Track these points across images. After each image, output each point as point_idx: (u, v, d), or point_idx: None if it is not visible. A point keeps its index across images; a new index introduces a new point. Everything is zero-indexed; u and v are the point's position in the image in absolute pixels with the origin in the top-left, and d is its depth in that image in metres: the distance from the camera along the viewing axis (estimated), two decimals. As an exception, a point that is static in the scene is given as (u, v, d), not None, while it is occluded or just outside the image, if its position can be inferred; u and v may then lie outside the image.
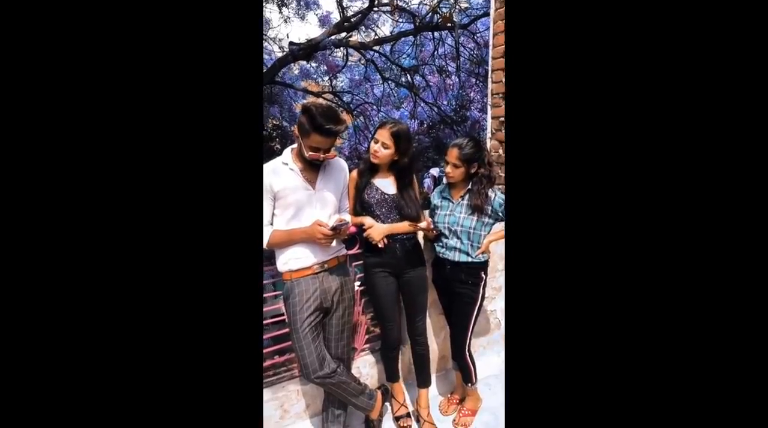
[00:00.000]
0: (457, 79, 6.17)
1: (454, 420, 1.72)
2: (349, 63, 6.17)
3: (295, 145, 1.43)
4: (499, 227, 1.57)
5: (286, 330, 1.68)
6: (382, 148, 1.44)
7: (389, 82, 6.19)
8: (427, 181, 5.90)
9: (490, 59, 2.51)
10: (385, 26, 6.05)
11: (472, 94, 6.58)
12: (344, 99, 6.54)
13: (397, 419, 1.68)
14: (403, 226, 1.50)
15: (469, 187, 1.51)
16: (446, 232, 1.56)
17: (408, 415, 1.69)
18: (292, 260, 1.39)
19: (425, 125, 7.98)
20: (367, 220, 1.46)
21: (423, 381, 1.68)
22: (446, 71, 6.47)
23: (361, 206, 1.49)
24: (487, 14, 5.17)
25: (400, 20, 5.76)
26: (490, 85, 2.54)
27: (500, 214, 1.49)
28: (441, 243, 1.59)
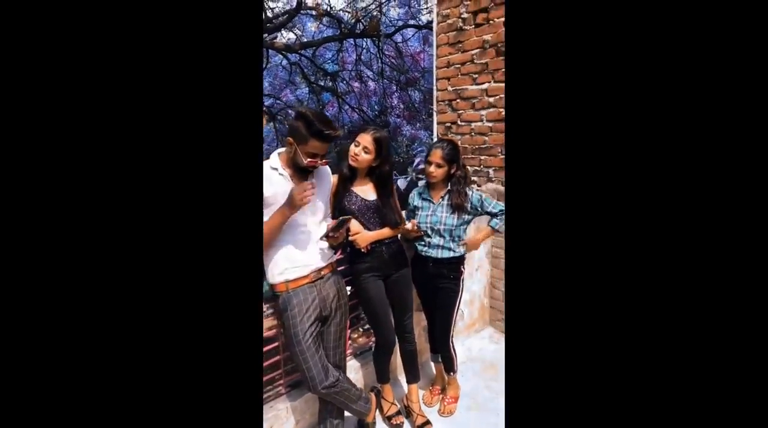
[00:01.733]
0: (380, 86, 6.36)
1: (439, 410, 1.81)
2: (268, 65, 5.94)
3: (281, 150, 1.38)
4: (482, 224, 1.71)
5: (272, 345, 1.60)
6: (363, 152, 1.45)
7: (314, 85, 6.11)
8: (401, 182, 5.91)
9: (434, 69, 2.69)
10: (309, 30, 5.98)
11: (395, 101, 6.84)
12: (266, 103, 6.27)
13: (389, 418, 1.71)
14: (388, 231, 1.55)
15: (449, 187, 1.62)
16: (429, 232, 1.64)
17: (398, 413, 1.73)
18: (288, 270, 1.34)
19: (346, 129, 8.08)
20: (354, 225, 1.47)
21: (413, 377, 1.73)
22: (368, 77, 6.63)
23: (341, 213, 1.49)
24: (409, 26, 5.47)
25: (323, 26, 5.75)
26: (435, 93, 2.72)
27: (479, 209, 1.62)
28: (423, 243, 1.67)
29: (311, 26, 5.98)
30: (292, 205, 1.23)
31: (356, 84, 6.95)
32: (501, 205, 1.61)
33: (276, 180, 1.30)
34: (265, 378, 1.60)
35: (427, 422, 1.68)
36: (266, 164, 1.32)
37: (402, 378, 1.84)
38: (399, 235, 1.65)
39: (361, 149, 1.45)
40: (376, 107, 7.30)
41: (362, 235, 1.47)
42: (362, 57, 5.90)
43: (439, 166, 1.57)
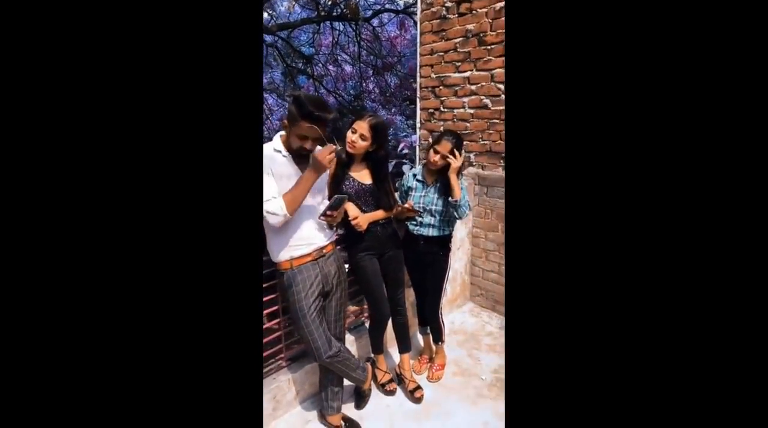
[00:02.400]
0: (357, 70, 6.34)
1: (428, 376, 1.96)
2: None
3: (283, 133, 1.42)
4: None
5: (274, 321, 1.68)
6: (360, 139, 1.53)
7: (291, 67, 6.00)
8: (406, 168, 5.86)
9: (418, 56, 2.76)
10: (281, 11, 5.84)
11: (371, 86, 6.84)
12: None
13: (383, 386, 1.84)
14: (383, 213, 1.65)
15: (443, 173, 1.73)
16: (421, 211, 1.75)
17: (392, 380, 1.87)
18: (292, 247, 1.41)
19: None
20: (352, 209, 1.55)
21: (405, 347, 1.87)
22: (344, 61, 6.58)
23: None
24: (387, 10, 5.46)
25: (298, 7, 5.63)
26: (419, 79, 2.80)
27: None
28: (415, 222, 1.78)
29: (285, 6, 5.84)
30: (318, 167, 1.27)
31: (332, 67, 6.89)
32: (466, 197, 1.69)
33: (280, 161, 1.35)
34: (267, 353, 1.68)
35: (418, 387, 1.83)
36: (269, 146, 1.37)
37: (393, 350, 1.97)
38: (392, 217, 1.76)
39: (358, 136, 1.52)
40: (351, 92, 7.28)
41: (362, 217, 1.56)
42: (339, 40, 5.84)
43: (444, 157, 1.66)
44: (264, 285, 1.60)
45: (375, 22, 5.61)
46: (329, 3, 4.98)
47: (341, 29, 5.80)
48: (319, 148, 1.32)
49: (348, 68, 6.90)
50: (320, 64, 6.51)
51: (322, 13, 4.97)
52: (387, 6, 5.43)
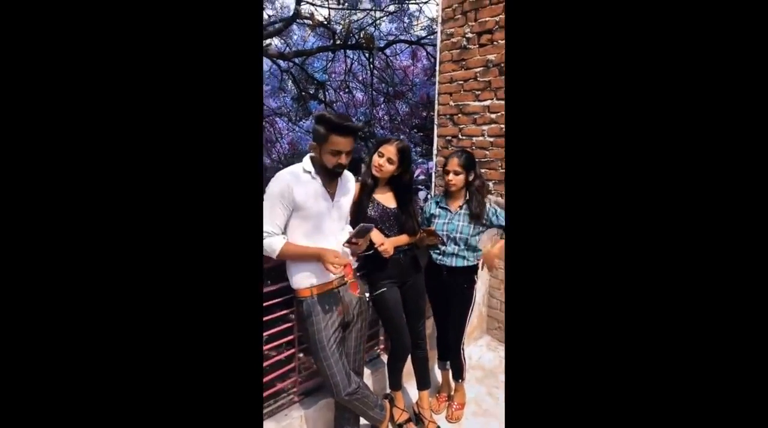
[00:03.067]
0: (369, 97, 6.45)
1: (447, 416, 1.84)
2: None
3: (313, 154, 1.39)
4: (495, 237, 1.77)
5: (289, 352, 1.59)
6: (387, 163, 1.51)
7: (304, 93, 6.12)
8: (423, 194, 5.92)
9: (437, 84, 2.78)
10: (296, 40, 6.01)
11: (380, 113, 6.94)
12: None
13: (399, 426, 1.72)
14: (407, 238, 1.59)
15: (467, 197, 1.68)
16: (444, 239, 1.69)
17: (409, 420, 1.75)
18: (313, 275, 1.35)
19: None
20: (376, 236, 1.49)
21: (425, 384, 1.76)
22: (357, 88, 6.71)
23: (361, 220, 1.52)
24: (401, 41, 5.61)
25: (313, 36, 5.80)
26: (437, 107, 2.81)
27: (492, 221, 1.69)
28: (438, 251, 1.72)
29: (301, 36, 6.02)
30: (323, 261, 1.27)
31: (343, 94, 7.02)
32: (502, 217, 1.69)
33: (308, 183, 1.31)
34: (280, 386, 1.58)
35: None
36: (299, 166, 1.33)
37: (410, 386, 1.86)
38: (415, 243, 1.70)
39: (386, 160, 1.50)
40: (362, 118, 7.38)
41: (388, 242, 1.50)
42: (352, 68, 5.97)
43: (457, 173, 1.62)
44: (280, 314, 1.53)
45: (388, 51, 5.75)
46: (344, 32, 5.12)
47: (355, 57, 5.94)
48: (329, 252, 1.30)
49: (359, 95, 7.02)
50: (332, 90, 6.63)
51: (338, 42, 5.10)
52: (401, 37, 5.58)
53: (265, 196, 1.27)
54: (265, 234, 1.26)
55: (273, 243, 1.26)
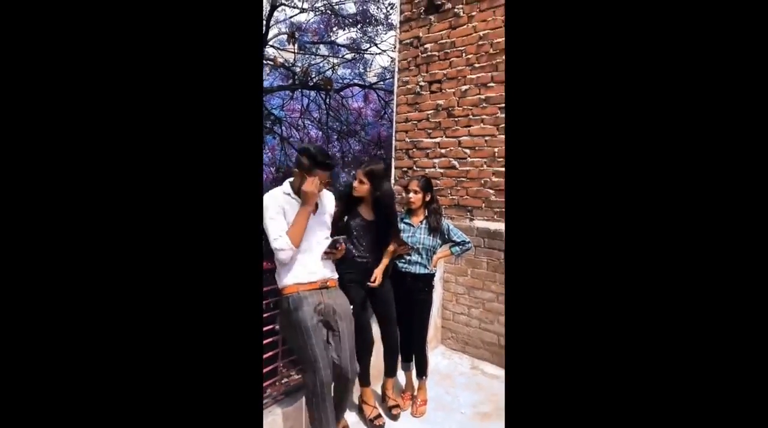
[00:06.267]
0: (324, 134, 6.82)
1: (412, 412, 2.03)
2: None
3: (292, 179, 1.63)
4: (444, 248, 2.10)
5: (272, 352, 1.72)
6: (359, 183, 1.81)
7: (264, 128, 6.33)
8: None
9: (394, 123, 3.19)
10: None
11: (334, 150, 7.31)
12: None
13: (371, 421, 1.89)
14: (390, 255, 1.88)
15: (426, 214, 2.01)
16: (411, 249, 1.98)
17: (379, 415, 1.92)
18: (300, 274, 1.56)
19: (281, 173, 8.28)
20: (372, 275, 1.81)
21: (391, 371, 2.01)
22: (311, 125, 7.06)
23: (341, 231, 1.79)
24: (355, 84, 6.12)
25: (271, 76, 6.13)
26: (394, 143, 3.19)
27: (446, 236, 2.02)
28: (404, 260, 2.00)
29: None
30: (308, 199, 1.50)
31: (295, 132, 7.33)
32: (464, 236, 2.03)
33: (291, 203, 1.56)
34: (264, 384, 1.69)
35: (397, 405, 1.97)
36: (280, 190, 1.58)
37: (375, 386, 2.04)
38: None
39: (358, 181, 1.80)
40: (316, 154, 7.66)
41: (378, 272, 1.82)
42: (308, 107, 6.35)
43: (416, 192, 1.96)
44: (264, 316, 1.67)
45: (343, 93, 6.23)
46: (302, 74, 5.51)
47: (311, 98, 6.34)
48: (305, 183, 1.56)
49: (313, 132, 7.37)
50: (288, 127, 6.92)
51: (296, 82, 5.46)
52: (356, 81, 6.10)
53: (264, 214, 1.50)
54: (275, 238, 1.49)
55: (283, 240, 1.49)
